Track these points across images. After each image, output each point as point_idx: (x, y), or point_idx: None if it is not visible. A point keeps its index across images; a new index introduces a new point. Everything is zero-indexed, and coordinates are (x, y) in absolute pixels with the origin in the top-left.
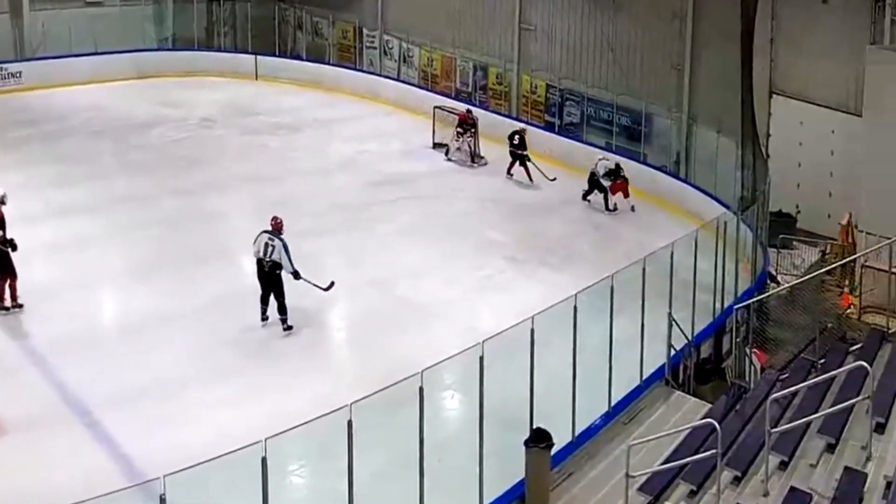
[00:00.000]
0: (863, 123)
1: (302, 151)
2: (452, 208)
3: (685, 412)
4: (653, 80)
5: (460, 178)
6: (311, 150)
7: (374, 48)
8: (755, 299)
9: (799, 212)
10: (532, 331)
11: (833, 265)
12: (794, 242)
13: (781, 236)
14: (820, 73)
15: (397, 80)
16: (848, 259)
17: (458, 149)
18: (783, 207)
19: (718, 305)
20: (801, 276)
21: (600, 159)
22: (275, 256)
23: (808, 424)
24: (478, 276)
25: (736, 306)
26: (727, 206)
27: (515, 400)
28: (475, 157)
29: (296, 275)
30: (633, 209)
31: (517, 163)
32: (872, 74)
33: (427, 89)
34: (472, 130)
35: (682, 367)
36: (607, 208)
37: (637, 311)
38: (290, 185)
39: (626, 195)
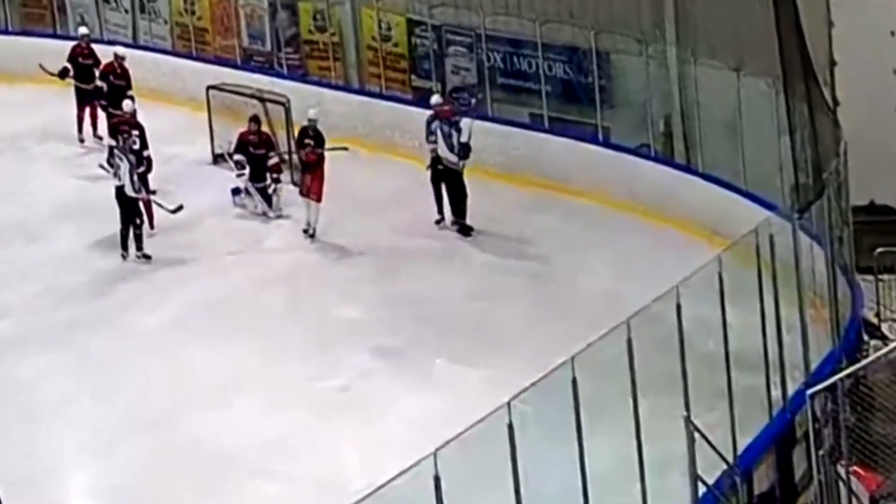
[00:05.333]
0: None
1: None
2: (266, 269)
3: None
4: None
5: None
6: None
7: None
8: (844, 373)
9: None
10: (436, 478)
11: None
12: None
13: (880, 250)
14: None
15: (135, 46)
16: None
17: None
18: (877, 197)
19: (776, 392)
20: None
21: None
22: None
23: None
24: (327, 388)
25: (810, 391)
26: (771, 207)
27: None
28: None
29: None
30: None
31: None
32: None
33: (191, 57)
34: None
35: None
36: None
37: (626, 419)
38: None
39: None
